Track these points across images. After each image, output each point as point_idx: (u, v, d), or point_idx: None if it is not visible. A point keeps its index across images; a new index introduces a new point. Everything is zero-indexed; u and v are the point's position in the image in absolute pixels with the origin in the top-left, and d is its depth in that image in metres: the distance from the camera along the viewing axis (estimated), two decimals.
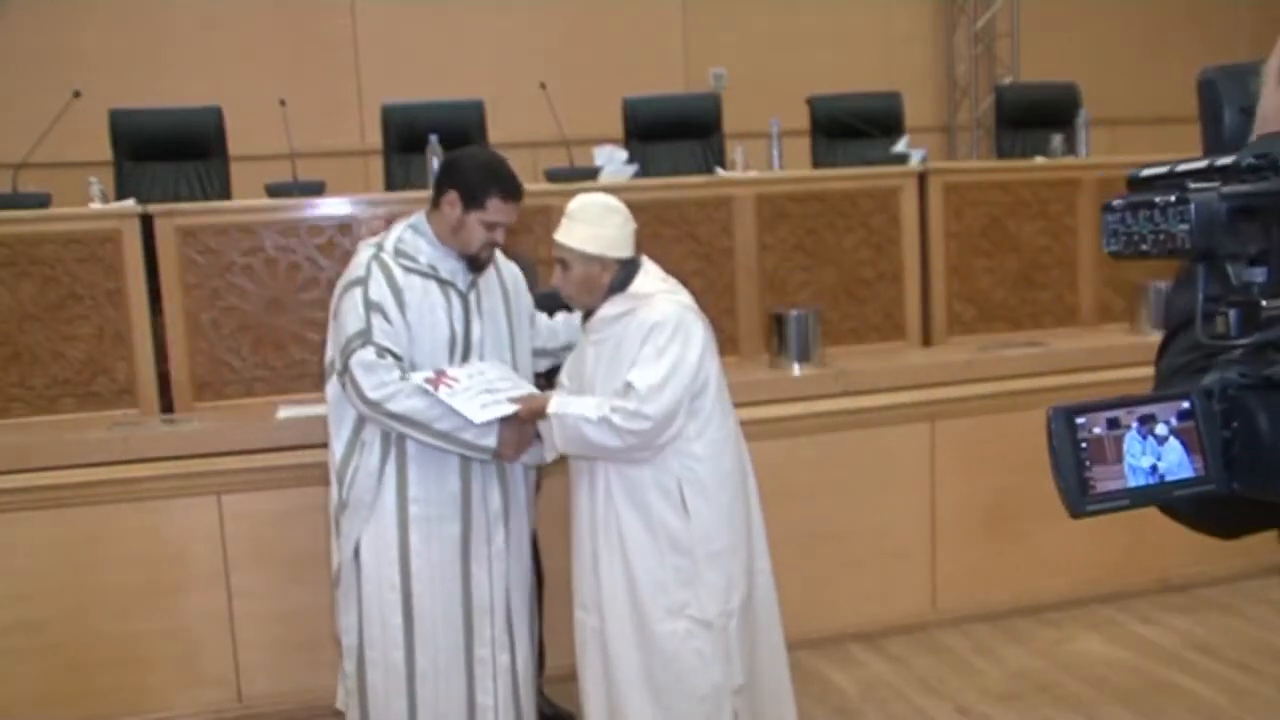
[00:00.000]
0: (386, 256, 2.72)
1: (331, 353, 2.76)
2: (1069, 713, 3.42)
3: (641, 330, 2.67)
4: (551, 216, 4.17)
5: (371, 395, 2.62)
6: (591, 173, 4.56)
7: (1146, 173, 0.85)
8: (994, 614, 4.09)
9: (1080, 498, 0.79)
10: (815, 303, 4.41)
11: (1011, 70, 7.56)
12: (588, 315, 2.80)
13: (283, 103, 4.74)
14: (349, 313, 2.67)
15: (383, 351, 2.63)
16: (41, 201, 4.10)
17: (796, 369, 4.14)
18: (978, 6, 7.59)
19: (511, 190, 2.74)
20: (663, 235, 4.30)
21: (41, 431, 3.68)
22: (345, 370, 2.65)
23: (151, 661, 3.46)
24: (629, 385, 2.62)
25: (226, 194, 5.04)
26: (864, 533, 3.97)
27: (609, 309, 2.74)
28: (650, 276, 2.79)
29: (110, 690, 3.42)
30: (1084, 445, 0.79)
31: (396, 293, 2.68)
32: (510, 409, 2.67)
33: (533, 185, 4.69)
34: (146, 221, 3.96)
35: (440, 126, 4.71)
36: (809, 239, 4.53)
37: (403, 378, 2.64)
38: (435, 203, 2.77)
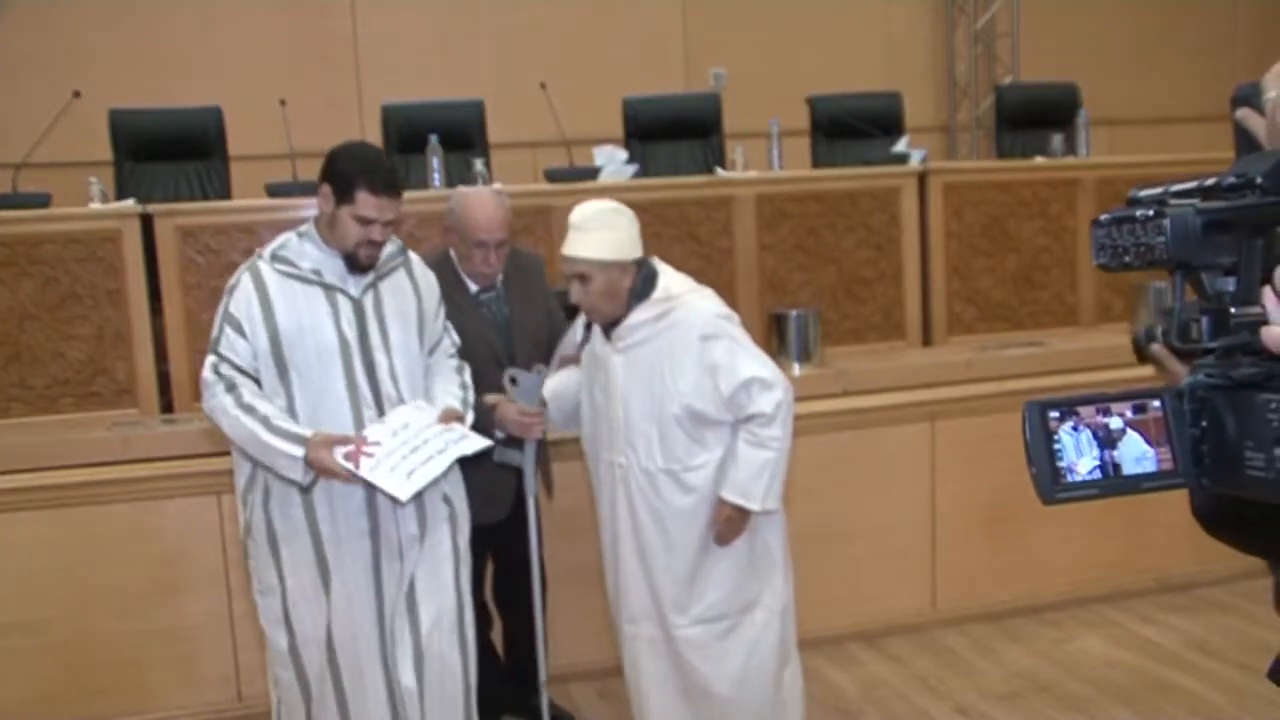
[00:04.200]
0: (263, 264, 2.64)
1: None
2: (1069, 713, 3.42)
3: (692, 331, 2.66)
4: (551, 217, 4.21)
5: (204, 409, 2.62)
6: (591, 173, 4.56)
7: (1144, 193, 0.90)
8: (994, 614, 4.09)
9: (1051, 485, 0.83)
10: (815, 303, 4.41)
11: (1011, 70, 7.56)
12: (609, 326, 2.75)
13: (283, 103, 4.74)
14: (215, 321, 2.65)
15: (219, 364, 2.58)
16: (41, 201, 4.10)
17: (796, 369, 4.14)
18: (978, 6, 7.59)
19: (380, 184, 2.60)
20: (663, 235, 4.30)
21: (41, 431, 3.69)
22: None
23: (151, 661, 3.46)
24: (747, 382, 2.64)
25: (226, 194, 5.03)
26: (864, 533, 3.97)
27: (640, 314, 2.70)
28: (672, 276, 2.77)
29: (110, 690, 3.42)
30: (1056, 436, 0.83)
31: (265, 302, 2.59)
32: (444, 466, 2.57)
33: (533, 185, 4.72)
34: (146, 221, 3.97)
35: (440, 126, 4.72)
36: (809, 239, 4.53)
37: (228, 389, 2.55)
38: (317, 202, 2.70)
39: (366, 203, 2.59)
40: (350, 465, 2.48)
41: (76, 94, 4.85)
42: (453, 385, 2.81)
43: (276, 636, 2.68)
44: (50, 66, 5.79)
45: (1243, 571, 4.16)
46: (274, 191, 4.35)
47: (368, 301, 2.68)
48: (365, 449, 2.50)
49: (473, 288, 3.17)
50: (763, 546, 2.77)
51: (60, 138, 4.80)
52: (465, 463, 2.71)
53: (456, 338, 2.92)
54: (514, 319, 3.20)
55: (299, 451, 2.50)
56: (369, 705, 2.68)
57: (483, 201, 3.06)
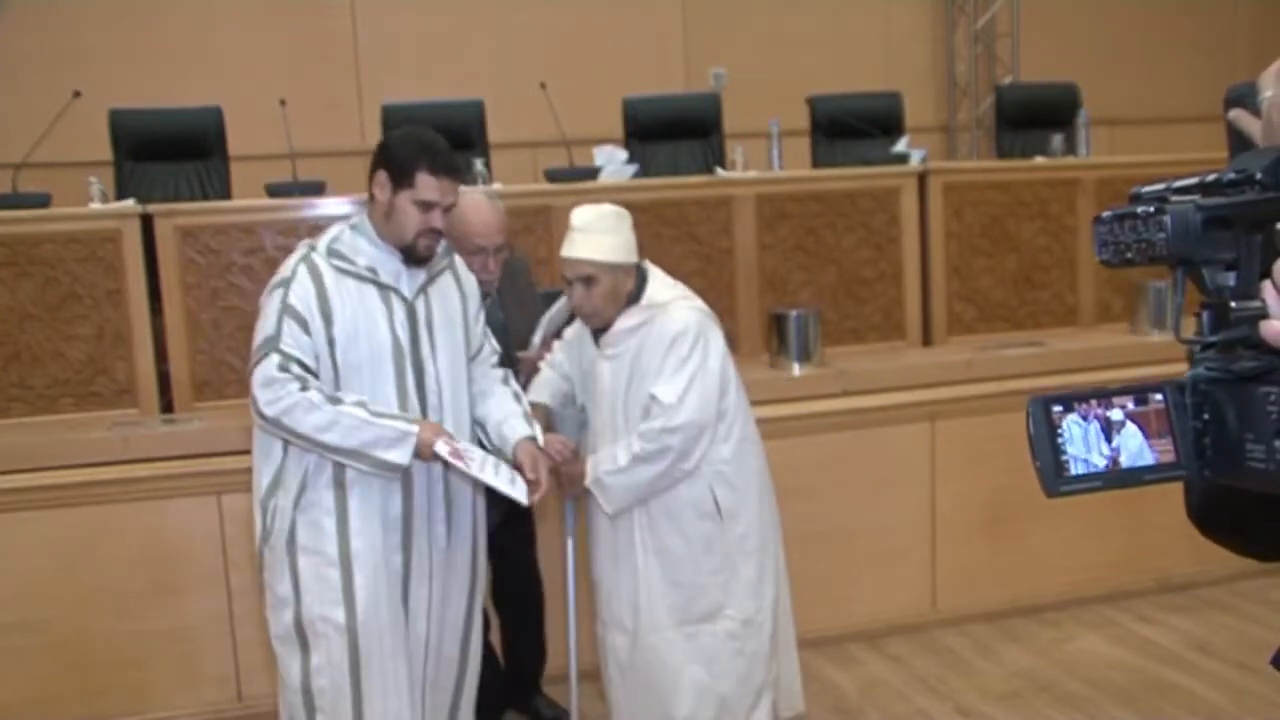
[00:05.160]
0: (318, 257, 2.50)
1: None
2: (1069, 713, 3.42)
3: (662, 341, 2.66)
4: (551, 216, 4.21)
5: (268, 411, 2.40)
6: (591, 173, 4.56)
7: (1146, 190, 0.92)
8: (994, 614, 4.09)
9: (1055, 478, 0.85)
10: (815, 303, 4.41)
11: (1011, 70, 7.56)
12: (599, 331, 2.76)
13: (283, 103, 4.74)
14: (267, 316, 2.46)
15: (287, 363, 2.40)
16: (41, 201, 4.10)
17: (796, 369, 4.14)
18: (978, 6, 7.59)
19: (441, 164, 2.49)
20: (663, 235, 4.30)
21: (41, 431, 3.69)
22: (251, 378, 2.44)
23: (151, 661, 3.45)
24: (653, 398, 2.62)
25: (226, 194, 5.04)
26: (864, 533, 3.97)
27: (626, 321, 2.71)
28: (661, 283, 2.78)
29: (110, 690, 3.41)
30: (1060, 430, 0.85)
31: (323, 298, 2.45)
32: (524, 495, 2.52)
33: (533, 185, 4.73)
34: (146, 221, 3.97)
35: (440, 126, 4.63)
36: (809, 239, 4.53)
37: (303, 389, 2.40)
38: (371, 193, 2.56)
39: (427, 185, 2.48)
40: (459, 463, 2.41)
41: (76, 94, 4.85)
42: (509, 401, 2.71)
43: (288, 652, 2.54)
44: (50, 66, 5.79)
45: (1242, 571, 4.16)
46: (274, 191, 4.36)
47: (420, 305, 2.58)
48: (462, 454, 2.44)
49: None
50: (732, 554, 2.74)
51: (60, 138, 4.80)
52: None
53: (495, 343, 2.84)
54: (510, 323, 3.18)
55: (414, 428, 2.42)
56: None
57: (478, 206, 2.97)
